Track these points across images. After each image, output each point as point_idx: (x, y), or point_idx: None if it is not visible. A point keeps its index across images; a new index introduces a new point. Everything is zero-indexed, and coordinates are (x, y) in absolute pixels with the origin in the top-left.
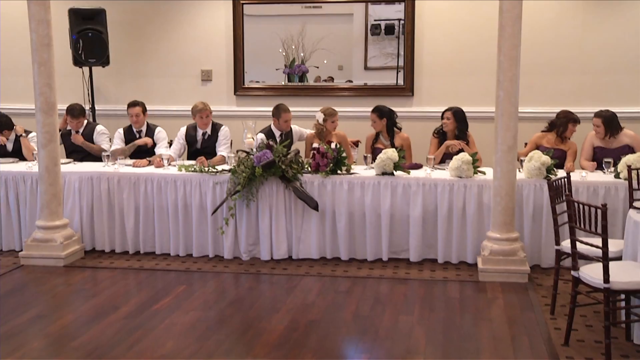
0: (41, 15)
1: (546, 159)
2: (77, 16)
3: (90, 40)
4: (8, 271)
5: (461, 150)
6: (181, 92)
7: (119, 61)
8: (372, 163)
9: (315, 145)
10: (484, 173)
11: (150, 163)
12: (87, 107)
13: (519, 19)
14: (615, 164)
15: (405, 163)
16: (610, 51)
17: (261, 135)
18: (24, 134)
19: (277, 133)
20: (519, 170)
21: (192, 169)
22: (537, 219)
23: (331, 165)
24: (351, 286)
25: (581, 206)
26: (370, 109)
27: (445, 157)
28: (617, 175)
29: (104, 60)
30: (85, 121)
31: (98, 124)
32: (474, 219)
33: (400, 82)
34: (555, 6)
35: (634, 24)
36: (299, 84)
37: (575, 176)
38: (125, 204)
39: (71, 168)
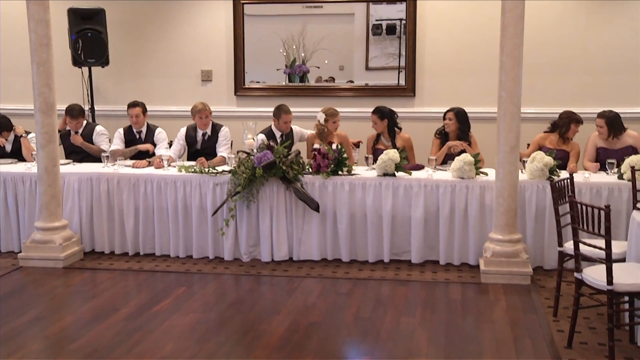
0: (40, 15)
1: (549, 159)
2: (76, 16)
3: (89, 40)
4: (7, 273)
5: (463, 151)
6: (181, 93)
7: (119, 61)
8: (373, 164)
9: (316, 146)
10: (486, 174)
11: (150, 164)
12: (86, 107)
13: (521, 18)
14: (618, 165)
15: (407, 164)
16: (613, 51)
17: (262, 136)
18: (24, 135)
19: (277, 134)
20: (522, 171)
21: (192, 169)
22: (539, 220)
23: (332, 166)
24: (352, 288)
25: (584, 207)
26: (371, 109)
27: (447, 158)
28: (620, 176)
29: (104, 61)
30: (85, 122)
31: (97, 124)
32: (476, 220)
33: (402, 82)
34: (557, 6)
35: (637, 24)
36: (300, 84)
37: (578, 177)
38: (125, 205)
39: (70, 169)
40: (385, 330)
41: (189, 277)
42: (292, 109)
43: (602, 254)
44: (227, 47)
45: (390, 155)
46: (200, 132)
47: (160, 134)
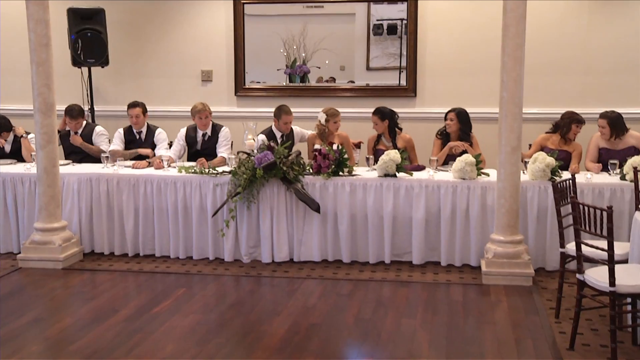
0: (39, 15)
1: (551, 160)
2: (75, 16)
3: (89, 40)
4: (6, 274)
5: (464, 152)
6: (181, 93)
7: (118, 61)
8: (374, 164)
9: (317, 146)
10: (487, 175)
11: (149, 164)
12: (86, 107)
13: (523, 18)
14: (620, 166)
15: (409, 164)
16: (615, 51)
17: (262, 137)
18: (24, 135)
19: (278, 134)
20: (523, 172)
21: (192, 170)
22: (541, 221)
23: (333, 166)
24: (353, 289)
25: (586, 208)
26: (372, 109)
27: (449, 159)
28: (622, 177)
29: (103, 61)
30: (84, 122)
31: (97, 124)
32: (478, 221)
33: (403, 82)
34: (559, 6)
35: (639, 23)
36: (301, 84)
37: (580, 178)
38: (125, 206)
39: (70, 169)
40: (386, 332)
41: (189, 278)
42: (292, 110)
43: (605, 255)
44: (227, 47)
45: (392, 156)
46: (200, 133)
47: (160, 135)
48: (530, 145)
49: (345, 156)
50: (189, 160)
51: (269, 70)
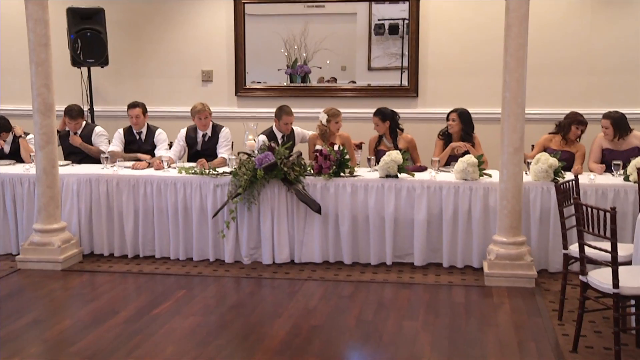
0: (39, 15)
1: (553, 161)
2: (75, 16)
3: (88, 40)
4: (5, 275)
5: (467, 153)
6: (181, 93)
7: (118, 61)
8: (375, 165)
9: (318, 147)
10: (490, 175)
11: (149, 165)
12: (85, 108)
13: (525, 18)
14: (624, 167)
15: (409, 165)
16: (619, 51)
17: (263, 137)
18: (23, 135)
19: (279, 135)
20: (526, 173)
21: (193, 171)
22: (544, 222)
23: (334, 167)
24: (354, 291)
25: (589, 209)
26: (374, 110)
27: (451, 159)
28: (626, 178)
29: (103, 61)
30: (84, 122)
31: (97, 125)
32: (480, 222)
33: (405, 82)
34: (562, 5)
35: None
36: (301, 84)
37: (584, 179)
38: (125, 207)
39: (69, 170)
40: (387, 334)
41: (189, 279)
42: (293, 110)
43: (608, 256)
44: (227, 47)
45: (393, 156)
46: (200, 133)
47: (160, 135)
48: (532, 146)
49: (347, 157)
50: (189, 161)
51: (269, 71)
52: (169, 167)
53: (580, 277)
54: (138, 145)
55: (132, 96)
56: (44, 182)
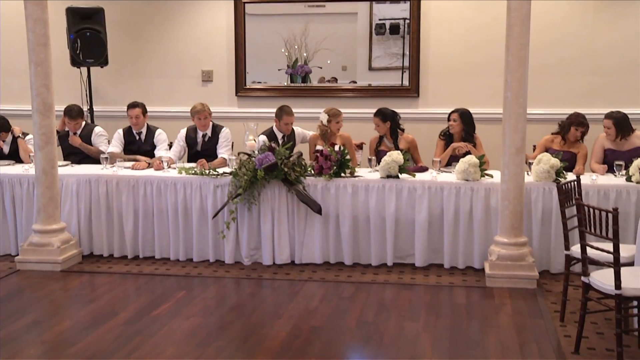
0: (38, 14)
1: (555, 161)
2: (74, 15)
3: (88, 39)
4: (4, 276)
5: (468, 153)
6: (181, 93)
7: (118, 61)
8: (376, 166)
9: (319, 147)
10: (491, 176)
11: (149, 165)
12: (85, 108)
13: (527, 18)
14: (626, 167)
15: (410, 166)
16: (621, 51)
17: (263, 137)
18: (21, 136)
19: (279, 135)
20: (528, 173)
21: (193, 171)
22: (546, 223)
23: (335, 168)
24: (355, 292)
25: (591, 210)
26: (375, 110)
27: (452, 160)
28: (628, 179)
29: (103, 61)
30: (83, 123)
31: (96, 125)
32: (481, 223)
33: (406, 82)
34: (564, 5)
35: None
36: (302, 84)
37: (586, 179)
38: (124, 207)
39: (69, 170)
40: (388, 335)
41: (189, 280)
42: (294, 110)
43: (610, 257)
44: (228, 47)
45: (394, 157)
46: (200, 134)
47: (160, 135)
48: (534, 146)
49: (347, 157)
50: (189, 161)
51: (270, 70)
52: (169, 167)
53: (582, 278)
54: (138, 145)
55: (132, 96)
56: (43, 183)
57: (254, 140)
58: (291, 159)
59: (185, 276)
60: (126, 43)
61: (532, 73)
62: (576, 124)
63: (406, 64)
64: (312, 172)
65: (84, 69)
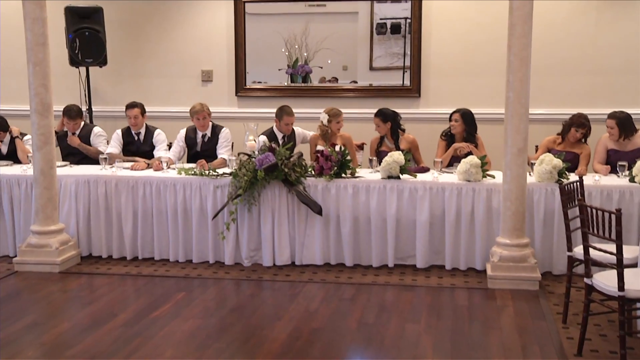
0: (36, 14)
1: (557, 162)
2: (73, 15)
3: (87, 39)
4: (2, 278)
5: (470, 153)
6: (181, 93)
7: (117, 61)
8: (377, 166)
9: (319, 147)
10: (493, 177)
11: (148, 166)
12: (83, 108)
13: (529, 17)
14: (629, 168)
15: (411, 166)
16: (624, 51)
17: (263, 138)
18: (19, 136)
19: (279, 135)
20: (530, 174)
21: (192, 172)
22: (548, 224)
23: (335, 168)
24: (356, 293)
25: (594, 211)
26: (376, 110)
27: (453, 160)
28: (632, 179)
29: (101, 60)
30: (82, 123)
31: (95, 125)
32: (483, 224)
33: (407, 82)
34: (567, 4)
35: None
36: (302, 84)
37: (588, 180)
38: (123, 208)
39: (67, 171)
40: (389, 337)
41: (189, 282)
42: (294, 110)
43: (613, 259)
44: (227, 46)
45: (395, 157)
46: (200, 134)
47: (159, 136)
48: (537, 147)
49: (348, 158)
50: (188, 161)
51: (270, 70)
52: (168, 168)
53: (585, 279)
54: (137, 146)
55: (131, 96)
56: (41, 183)
57: (254, 141)
58: (291, 159)
59: (184, 277)
60: (125, 43)
61: (534, 73)
62: (577, 125)
63: (407, 63)
64: (313, 172)
65: (82, 69)
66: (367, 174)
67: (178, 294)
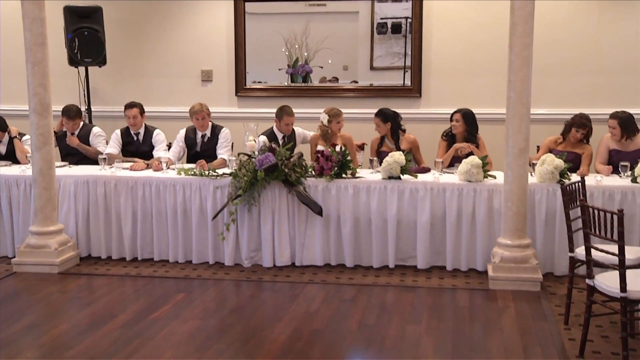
0: (35, 13)
1: (559, 162)
2: (72, 14)
3: (86, 39)
4: (1, 278)
5: (471, 154)
6: (180, 93)
7: (116, 61)
8: (378, 166)
9: (320, 147)
10: (494, 177)
11: (148, 166)
12: (82, 108)
13: (531, 17)
14: (632, 168)
15: (412, 167)
16: (625, 51)
17: (263, 138)
18: (17, 136)
19: (279, 135)
20: (531, 174)
21: (192, 172)
22: (550, 224)
23: (336, 168)
24: (356, 294)
25: (596, 212)
26: (376, 110)
27: (454, 161)
28: (634, 180)
29: (101, 60)
30: (82, 123)
31: (94, 125)
32: (484, 224)
33: (408, 82)
34: (568, 4)
35: None
36: (303, 84)
37: (590, 180)
38: (123, 209)
39: (66, 171)
40: (390, 338)
41: (189, 282)
42: (294, 110)
43: (615, 259)
44: (227, 46)
45: (396, 157)
46: (199, 134)
47: (158, 136)
48: (538, 147)
49: (349, 158)
50: (188, 162)
51: (270, 70)
52: (168, 168)
53: (587, 280)
54: (136, 146)
55: (131, 96)
56: (40, 184)
57: (254, 141)
58: (292, 159)
59: (184, 278)
60: (125, 42)
61: (536, 73)
62: (577, 125)
63: (408, 63)
64: (313, 173)
65: (82, 69)
66: (368, 175)
67: (178, 294)
